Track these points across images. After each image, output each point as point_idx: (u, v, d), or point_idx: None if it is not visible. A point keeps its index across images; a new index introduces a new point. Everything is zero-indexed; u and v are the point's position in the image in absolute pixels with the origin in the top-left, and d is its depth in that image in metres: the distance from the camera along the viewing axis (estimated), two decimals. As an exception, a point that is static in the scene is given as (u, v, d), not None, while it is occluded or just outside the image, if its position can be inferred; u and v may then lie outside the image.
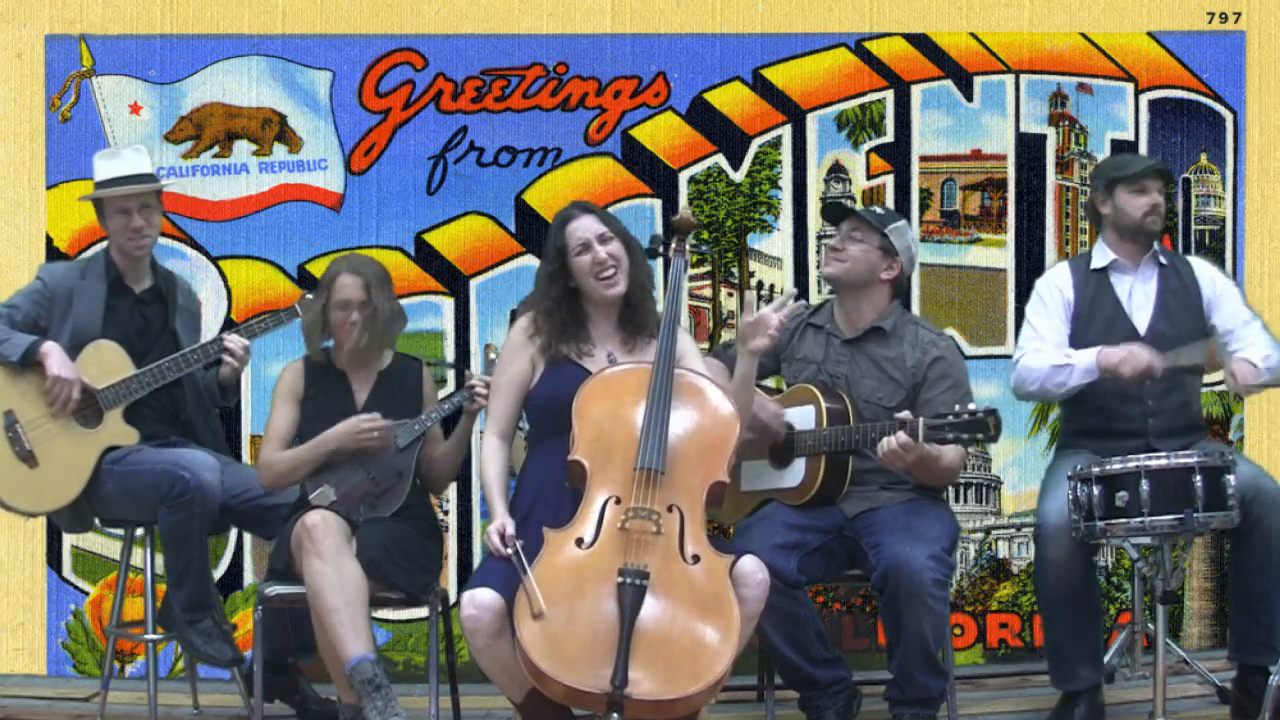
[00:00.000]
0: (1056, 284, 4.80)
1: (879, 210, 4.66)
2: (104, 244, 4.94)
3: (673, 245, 4.29)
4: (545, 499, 4.05)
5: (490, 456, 4.21)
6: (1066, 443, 4.84)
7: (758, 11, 5.79)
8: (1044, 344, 4.70)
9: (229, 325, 5.64)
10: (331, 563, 4.22)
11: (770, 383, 4.88)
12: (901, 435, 4.16)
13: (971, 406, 4.18)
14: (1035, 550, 4.62)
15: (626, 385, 4.04)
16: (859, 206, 4.71)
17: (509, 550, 3.88)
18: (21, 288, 4.89)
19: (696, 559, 3.80)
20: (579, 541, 3.82)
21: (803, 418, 4.50)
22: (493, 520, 4.06)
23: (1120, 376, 4.50)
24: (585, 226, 4.19)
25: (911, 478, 4.41)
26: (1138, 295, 4.74)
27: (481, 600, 3.84)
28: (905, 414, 4.22)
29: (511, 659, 3.78)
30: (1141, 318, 4.71)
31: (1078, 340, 4.71)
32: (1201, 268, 4.84)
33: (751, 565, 3.89)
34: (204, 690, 5.18)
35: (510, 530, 3.96)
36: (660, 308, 4.25)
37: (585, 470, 3.93)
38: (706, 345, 5.71)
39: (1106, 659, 4.67)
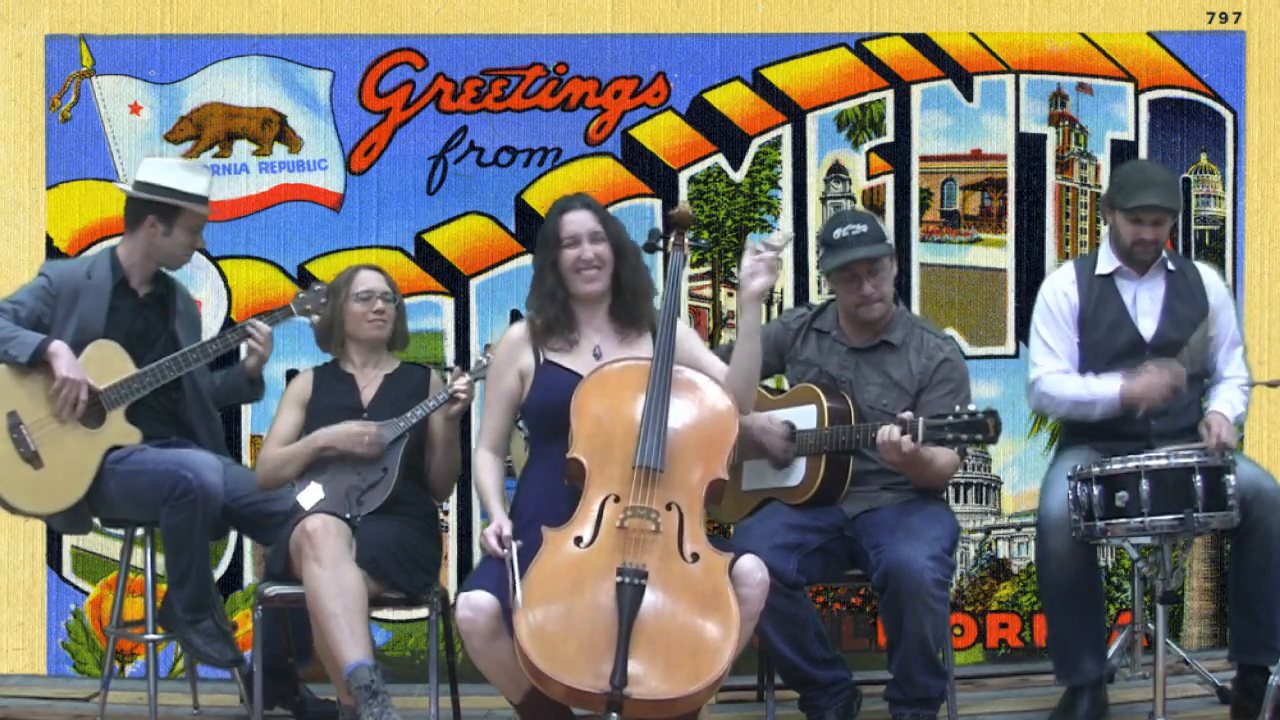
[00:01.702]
0: (1061, 289, 4.79)
1: (864, 228, 4.51)
2: (107, 244, 4.95)
3: (671, 240, 4.29)
4: (547, 506, 4.02)
5: (483, 468, 4.23)
6: (1068, 440, 4.84)
7: (758, 11, 5.79)
8: (1058, 361, 4.70)
9: (229, 325, 5.64)
10: (330, 568, 4.23)
11: (770, 383, 4.88)
12: (894, 429, 4.17)
13: (971, 407, 4.18)
14: (1037, 543, 4.63)
15: (625, 382, 4.03)
16: (852, 226, 4.53)
17: (505, 551, 3.88)
18: (26, 284, 4.88)
19: (695, 557, 3.80)
20: (578, 540, 3.81)
21: (804, 417, 4.50)
22: (491, 522, 4.06)
23: (1150, 407, 4.52)
24: (579, 221, 4.20)
25: (906, 477, 4.41)
26: (1143, 301, 4.73)
27: (477, 603, 3.84)
28: (906, 414, 4.22)
29: (509, 660, 3.78)
30: (1147, 324, 4.70)
31: (1083, 345, 4.71)
32: (1209, 275, 4.83)
33: (751, 564, 3.88)
34: (204, 690, 5.18)
35: (507, 531, 3.96)
36: (659, 303, 4.24)
37: (584, 468, 3.92)
38: (706, 345, 5.71)
39: (1107, 657, 4.68)
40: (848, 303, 4.55)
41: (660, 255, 4.33)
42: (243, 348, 4.89)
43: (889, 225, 5.64)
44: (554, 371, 4.18)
